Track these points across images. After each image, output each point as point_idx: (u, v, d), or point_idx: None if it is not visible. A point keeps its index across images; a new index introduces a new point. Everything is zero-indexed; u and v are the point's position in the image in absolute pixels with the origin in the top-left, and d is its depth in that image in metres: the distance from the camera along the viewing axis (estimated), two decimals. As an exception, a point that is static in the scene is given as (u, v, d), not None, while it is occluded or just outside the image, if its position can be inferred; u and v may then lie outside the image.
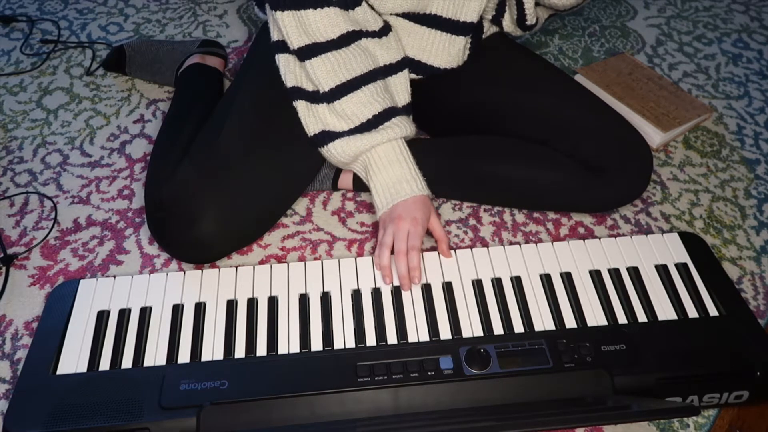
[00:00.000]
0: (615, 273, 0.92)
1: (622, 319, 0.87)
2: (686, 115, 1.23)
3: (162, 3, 1.58)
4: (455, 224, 1.07)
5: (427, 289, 0.90)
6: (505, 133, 1.04)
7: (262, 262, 1.01)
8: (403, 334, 0.85)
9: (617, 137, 1.01)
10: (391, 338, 0.84)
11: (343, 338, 0.85)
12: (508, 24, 1.07)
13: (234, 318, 0.87)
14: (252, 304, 0.89)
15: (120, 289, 0.91)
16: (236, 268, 0.94)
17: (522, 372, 0.79)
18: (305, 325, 0.86)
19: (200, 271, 0.94)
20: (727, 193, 1.14)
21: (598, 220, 1.07)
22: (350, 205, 1.10)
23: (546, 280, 0.91)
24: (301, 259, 1.01)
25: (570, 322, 0.86)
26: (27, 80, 1.36)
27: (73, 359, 0.83)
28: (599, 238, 0.98)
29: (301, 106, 0.96)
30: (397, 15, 1.00)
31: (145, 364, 0.82)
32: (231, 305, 0.89)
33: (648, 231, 1.06)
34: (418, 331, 0.85)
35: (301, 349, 0.84)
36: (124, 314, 0.88)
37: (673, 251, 0.96)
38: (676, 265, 0.94)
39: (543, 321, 0.86)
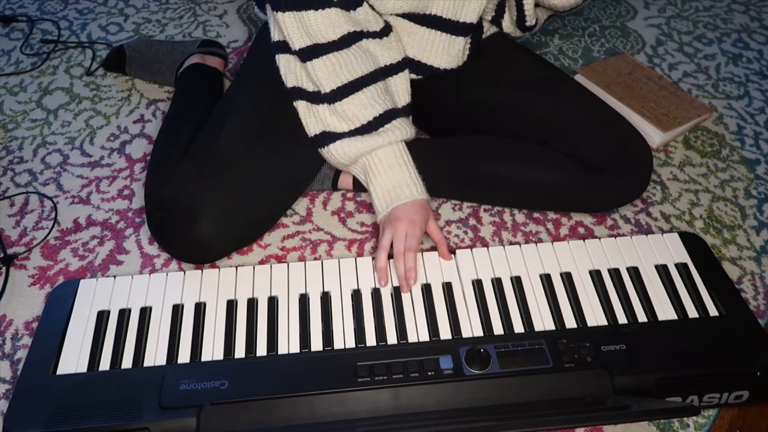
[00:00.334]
0: (615, 273, 0.92)
1: (622, 319, 0.87)
2: (686, 115, 1.23)
3: (162, 3, 1.58)
4: (455, 224, 1.07)
5: (427, 289, 0.90)
6: (505, 133, 1.04)
7: (262, 262, 1.01)
8: (403, 334, 0.85)
9: (617, 137, 1.01)
10: (391, 338, 0.84)
11: (343, 338, 0.85)
12: (508, 25, 1.07)
13: (234, 318, 0.87)
14: (252, 304, 0.89)
15: (120, 289, 0.91)
16: (236, 268, 0.94)
17: (522, 372, 0.79)
18: (305, 325, 0.86)
19: (200, 271, 0.94)
20: (727, 193, 1.14)
21: (598, 220, 1.07)
22: (350, 205, 1.10)
23: (546, 280, 0.91)
24: (301, 259, 1.01)
25: (570, 322, 0.86)
26: (27, 80, 1.36)
27: (73, 359, 0.83)
28: (599, 238, 0.98)
29: (301, 106, 0.96)
30: (398, 15, 1.00)
31: (145, 364, 0.82)
32: (231, 305, 0.89)
33: (648, 231, 1.06)
34: (418, 331, 0.85)
35: (301, 349, 0.84)
36: (124, 314, 0.88)
37: (673, 251, 0.96)
38: (676, 265, 0.94)
39: (543, 321, 0.86)
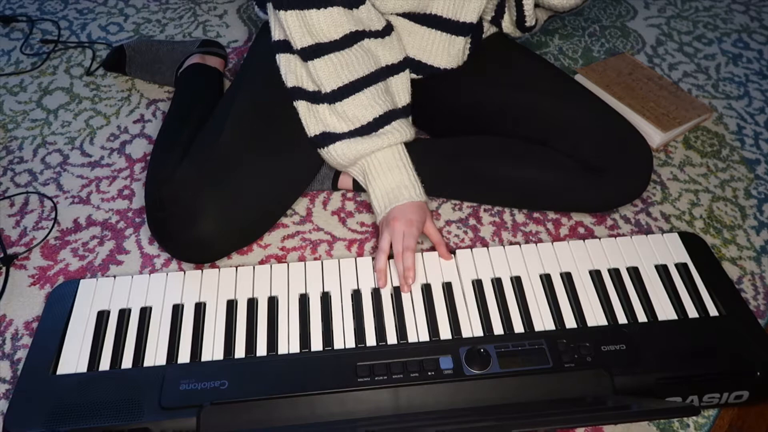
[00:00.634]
0: (615, 273, 0.92)
1: (622, 319, 0.87)
2: (686, 115, 1.23)
3: (162, 3, 1.58)
4: (455, 224, 1.07)
5: (427, 289, 0.90)
6: (505, 133, 1.04)
7: (262, 262, 1.01)
8: (403, 334, 0.85)
9: (617, 137, 1.01)
10: (391, 338, 0.84)
11: (343, 338, 0.85)
12: (508, 25, 1.07)
13: (234, 318, 0.87)
14: (252, 304, 0.89)
15: (120, 289, 0.91)
16: (236, 268, 0.94)
17: (522, 372, 0.79)
18: (305, 325, 0.86)
19: (200, 271, 0.94)
20: (727, 193, 1.14)
21: (598, 220, 1.07)
22: (350, 205, 1.10)
23: (546, 280, 0.91)
24: (301, 259, 1.01)
25: (570, 322, 0.86)
26: (27, 80, 1.36)
27: (73, 359, 0.83)
28: (599, 238, 0.98)
29: (301, 106, 0.96)
30: (398, 15, 1.00)
31: (145, 364, 0.82)
32: (231, 305, 0.89)
33: (648, 231, 1.06)
34: (418, 331, 0.85)
35: (301, 349, 0.84)
36: (124, 314, 0.88)
37: (673, 251, 0.96)
38: (676, 265, 0.94)
39: (543, 321, 0.86)
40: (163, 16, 1.54)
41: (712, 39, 1.51)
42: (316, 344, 0.84)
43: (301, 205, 1.10)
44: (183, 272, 0.94)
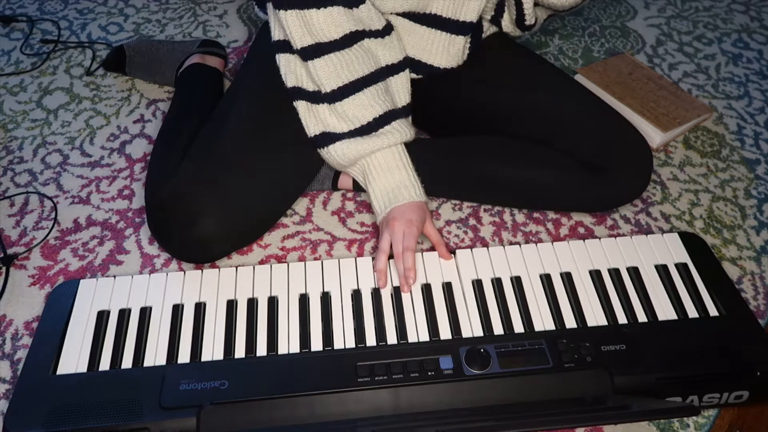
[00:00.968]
0: (615, 273, 0.92)
1: (622, 319, 0.87)
2: (686, 115, 1.23)
3: (162, 3, 1.58)
4: (455, 224, 1.07)
5: (427, 289, 0.90)
6: (505, 133, 1.04)
7: (262, 262, 1.01)
8: (403, 334, 0.85)
9: (617, 137, 1.01)
10: (391, 338, 0.84)
11: (343, 338, 0.84)
12: (507, 24, 1.07)
13: (234, 318, 0.87)
14: (252, 304, 0.89)
15: (120, 289, 0.91)
16: (236, 268, 0.94)
17: (522, 372, 0.79)
18: (305, 325, 0.86)
19: (200, 271, 0.94)
20: (727, 193, 1.14)
21: (598, 220, 1.07)
22: (350, 205, 1.10)
23: (546, 280, 0.91)
24: (301, 259, 1.01)
25: (570, 322, 0.86)
26: (27, 80, 1.36)
27: (73, 359, 0.83)
28: (599, 238, 0.98)
29: (301, 106, 0.96)
30: (398, 15, 1.00)
31: (145, 364, 0.82)
32: (231, 305, 0.89)
33: (648, 231, 1.06)
34: (418, 331, 0.85)
35: (301, 349, 0.84)
36: (124, 314, 0.88)
37: (673, 251, 0.96)
38: (676, 265, 0.94)
39: (543, 321, 0.86)
40: (163, 16, 1.54)
41: (712, 39, 1.51)
42: (316, 344, 0.84)
43: (301, 205, 1.10)
44: (183, 272, 0.94)
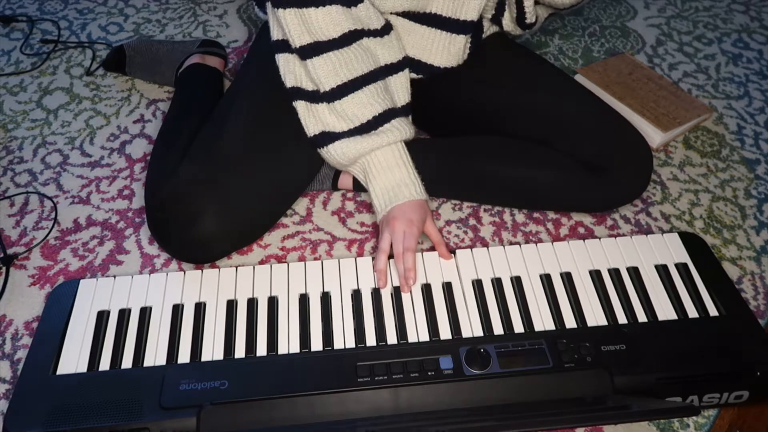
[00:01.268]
0: (615, 273, 0.92)
1: (622, 319, 0.87)
2: (686, 115, 1.23)
3: (162, 3, 1.58)
4: (455, 224, 1.07)
5: (427, 289, 0.90)
6: (505, 133, 1.04)
7: (262, 262, 1.01)
8: (403, 334, 0.85)
9: (617, 137, 1.01)
10: (391, 338, 0.84)
11: (343, 338, 0.84)
12: (508, 23, 1.07)
13: (234, 318, 0.87)
14: (252, 304, 0.89)
15: (120, 289, 0.91)
16: (236, 268, 0.94)
17: (522, 372, 0.79)
18: (305, 325, 0.86)
19: (200, 271, 0.94)
20: (727, 193, 1.14)
21: (598, 220, 1.07)
22: (350, 205, 1.10)
23: (546, 280, 0.91)
24: (301, 259, 1.01)
25: (570, 322, 0.86)
26: (27, 80, 1.36)
27: (73, 359, 0.83)
28: (599, 238, 0.98)
29: (300, 106, 0.96)
30: (398, 15, 1.00)
31: (145, 364, 0.82)
32: (231, 305, 0.89)
33: (648, 231, 1.06)
34: (418, 331, 0.85)
35: (301, 349, 0.83)
36: (124, 314, 0.88)
37: (673, 251, 0.96)
38: (676, 265, 0.94)
39: (543, 321, 0.86)
40: (163, 16, 1.54)
41: (712, 39, 1.51)
42: (316, 344, 0.84)
43: (301, 205, 1.10)
44: (183, 272, 0.94)
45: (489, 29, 1.10)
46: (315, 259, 1.01)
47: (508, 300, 0.89)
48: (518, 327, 0.86)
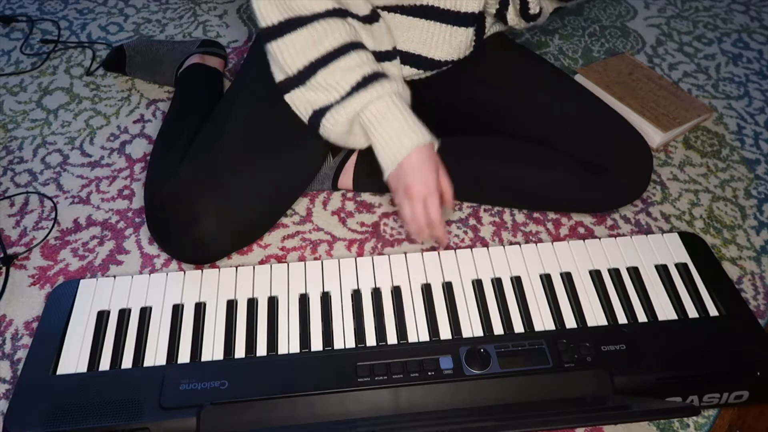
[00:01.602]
0: (615, 273, 0.92)
1: (622, 319, 0.87)
2: (686, 115, 1.23)
3: (162, 3, 1.58)
4: (455, 224, 1.07)
5: (427, 289, 0.90)
6: (505, 134, 1.04)
7: (262, 262, 1.01)
8: (403, 334, 0.85)
9: (617, 137, 1.01)
10: (391, 338, 0.84)
11: (343, 338, 0.84)
12: (513, 17, 1.05)
13: (234, 318, 0.87)
14: (252, 304, 0.89)
15: (120, 289, 0.91)
16: (236, 268, 0.94)
17: (522, 372, 0.79)
18: (305, 325, 0.86)
19: (200, 271, 0.94)
20: (727, 193, 1.14)
21: (598, 220, 1.07)
22: (350, 205, 1.10)
23: (546, 280, 0.91)
24: (301, 259, 1.01)
25: (570, 322, 0.86)
26: (27, 80, 1.36)
27: (73, 359, 0.83)
28: (599, 238, 0.98)
29: (290, 97, 0.93)
30: (395, 11, 0.99)
31: (145, 364, 0.82)
32: (231, 305, 0.89)
33: (648, 231, 1.06)
34: (418, 331, 0.85)
35: (301, 349, 0.84)
36: (124, 314, 0.88)
37: (673, 251, 0.96)
38: (676, 265, 0.94)
39: (543, 321, 0.86)
40: (163, 16, 1.54)
41: (712, 39, 1.51)
42: (316, 344, 0.84)
43: (301, 205, 1.10)
44: (183, 272, 0.94)
45: (491, 28, 1.10)
46: (315, 259, 1.01)
47: (508, 300, 0.89)
48: (518, 327, 0.86)
